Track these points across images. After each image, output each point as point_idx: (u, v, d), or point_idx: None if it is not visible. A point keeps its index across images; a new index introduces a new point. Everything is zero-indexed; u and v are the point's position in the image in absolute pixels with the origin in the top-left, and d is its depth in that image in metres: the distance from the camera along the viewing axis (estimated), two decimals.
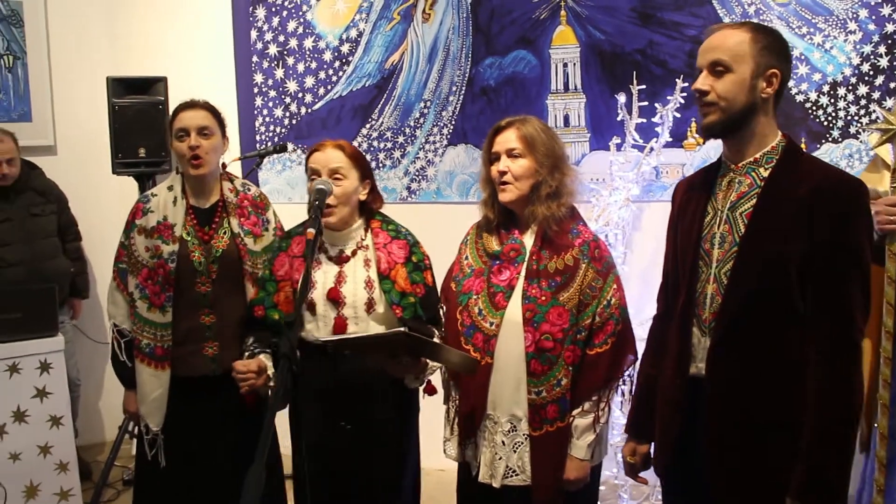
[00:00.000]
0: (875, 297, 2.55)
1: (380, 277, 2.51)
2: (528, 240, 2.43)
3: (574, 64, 3.88)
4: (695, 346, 2.08)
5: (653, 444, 2.28)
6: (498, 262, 2.43)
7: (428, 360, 2.41)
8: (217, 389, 2.74)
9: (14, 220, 4.01)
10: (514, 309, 2.37)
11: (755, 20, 3.57)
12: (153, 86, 4.21)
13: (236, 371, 2.37)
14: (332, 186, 2.42)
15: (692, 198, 2.17)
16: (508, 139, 2.41)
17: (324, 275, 2.53)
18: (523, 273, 2.40)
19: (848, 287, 1.91)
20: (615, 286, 2.41)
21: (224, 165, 2.91)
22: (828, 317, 1.91)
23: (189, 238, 2.76)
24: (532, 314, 2.34)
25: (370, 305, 2.50)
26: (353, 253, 2.55)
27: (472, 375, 2.36)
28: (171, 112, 2.87)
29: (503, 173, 2.39)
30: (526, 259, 2.40)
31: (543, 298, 2.35)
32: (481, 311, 2.41)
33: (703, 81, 2.00)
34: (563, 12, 3.87)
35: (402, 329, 2.31)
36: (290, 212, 4.13)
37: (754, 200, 1.99)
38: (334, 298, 2.49)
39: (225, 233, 2.80)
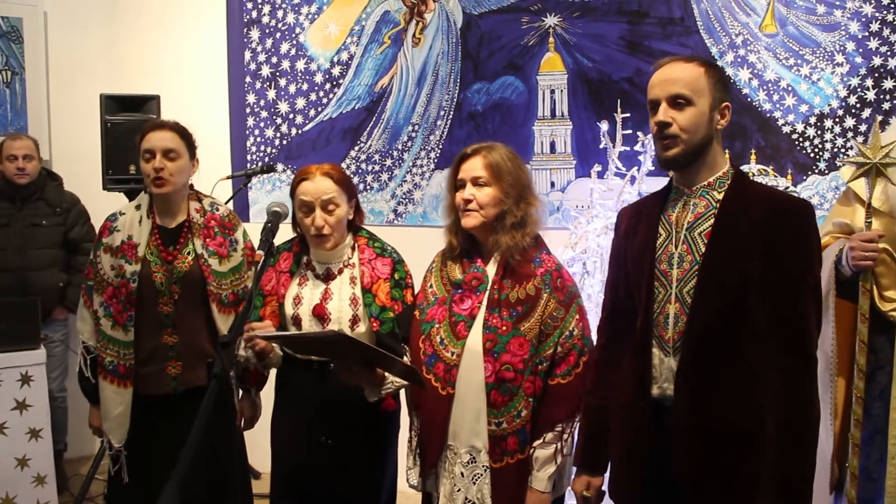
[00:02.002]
0: (848, 335, 2.52)
1: (362, 291, 2.53)
2: (491, 268, 2.41)
3: (561, 90, 3.87)
4: (656, 367, 2.06)
5: (607, 474, 2.25)
6: (460, 290, 2.41)
7: (387, 375, 2.41)
8: (180, 408, 2.74)
9: (14, 227, 4.08)
10: (475, 338, 2.35)
11: (743, 51, 3.55)
12: (146, 104, 4.23)
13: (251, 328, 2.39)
14: (287, 209, 2.44)
15: (640, 222, 2.17)
16: (475, 167, 2.40)
17: (310, 291, 2.55)
18: (485, 302, 2.37)
19: (803, 302, 1.97)
20: (578, 316, 2.38)
21: (191, 186, 2.91)
22: (785, 331, 1.96)
23: (152, 258, 2.76)
24: (492, 344, 2.32)
25: (355, 322, 2.51)
26: (340, 271, 2.57)
27: (423, 388, 2.34)
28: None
29: (468, 201, 2.37)
30: (488, 288, 2.38)
31: (504, 328, 2.33)
32: (443, 341, 2.39)
33: (664, 114, 2.02)
34: (551, 39, 3.87)
35: (338, 330, 2.36)
36: (280, 231, 4.16)
37: (712, 220, 2.02)
38: (320, 314, 2.51)
39: (189, 253, 2.80)
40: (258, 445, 2.15)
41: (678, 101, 2.00)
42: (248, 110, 4.42)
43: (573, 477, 2.35)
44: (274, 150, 4.40)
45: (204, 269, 2.78)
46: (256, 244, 2.90)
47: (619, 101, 3.64)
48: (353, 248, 2.62)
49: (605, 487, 2.28)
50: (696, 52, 3.55)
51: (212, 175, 4.07)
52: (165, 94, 4.30)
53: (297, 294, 2.58)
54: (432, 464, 2.41)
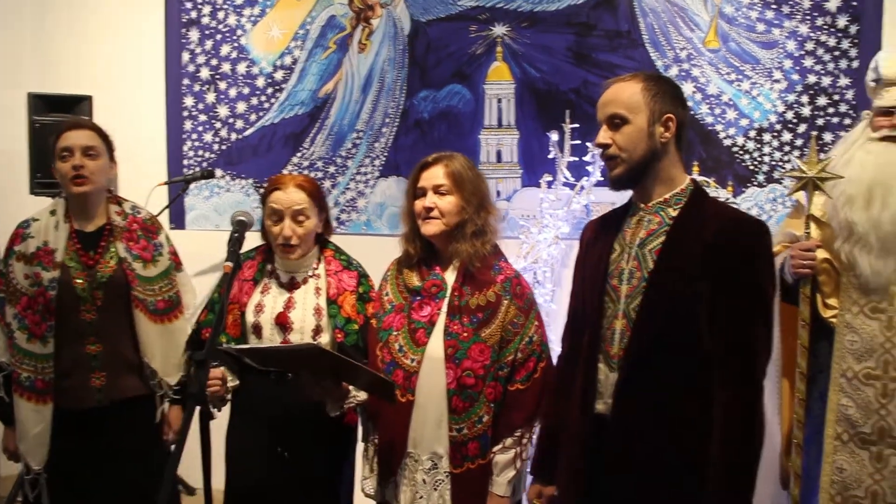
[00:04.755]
0: (790, 338, 2.60)
1: (328, 302, 2.51)
2: (450, 276, 2.42)
3: (508, 100, 3.90)
4: (601, 382, 2.07)
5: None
6: (419, 297, 2.41)
7: (349, 388, 2.40)
8: (105, 422, 2.64)
9: None
10: (436, 345, 2.35)
11: (687, 65, 3.64)
12: (77, 105, 4.09)
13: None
14: (252, 218, 2.41)
15: (600, 236, 2.19)
16: (436, 175, 2.40)
17: (273, 300, 2.53)
18: (445, 309, 2.38)
19: (753, 326, 1.96)
20: (537, 323, 2.42)
21: (111, 189, 2.81)
22: (733, 355, 1.94)
23: (71, 264, 2.63)
24: (454, 350, 2.32)
25: (317, 332, 2.50)
26: (305, 280, 2.56)
27: (392, 402, 2.32)
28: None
29: (430, 209, 2.37)
30: (447, 295, 2.38)
31: (465, 335, 2.33)
32: (402, 348, 2.38)
33: (603, 136, 2.06)
34: (499, 49, 3.89)
35: (314, 343, 2.37)
36: (218, 238, 4.04)
37: (663, 238, 2.03)
38: (282, 323, 2.49)
39: (112, 257, 2.68)
40: (194, 457, 2.07)
41: (615, 121, 2.03)
42: (185, 114, 4.28)
43: (528, 484, 2.37)
44: (213, 156, 4.28)
45: (128, 274, 2.67)
46: (182, 251, 2.89)
47: (566, 111, 3.68)
48: (318, 260, 2.61)
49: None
50: (641, 66, 3.63)
51: (147, 180, 3.97)
52: (98, 94, 4.17)
53: (259, 302, 2.54)
54: (392, 472, 2.39)
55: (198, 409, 1.97)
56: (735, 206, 3.34)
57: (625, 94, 2.04)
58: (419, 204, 2.41)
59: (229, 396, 2.49)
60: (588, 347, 2.09)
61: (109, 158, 2.73)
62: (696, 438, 1.95)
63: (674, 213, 2.05)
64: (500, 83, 3.90)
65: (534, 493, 2.32)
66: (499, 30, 3.87)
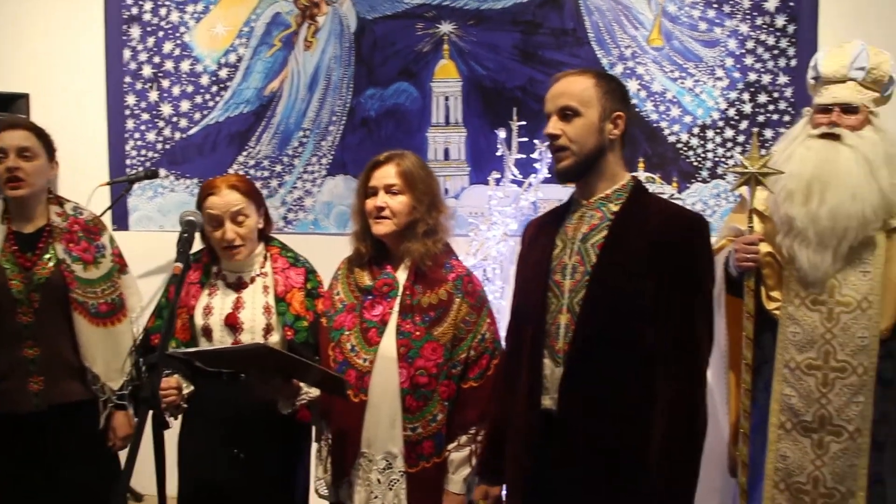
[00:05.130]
0: (736, 331, 2.66)
1: (276, 300, 2.50)
2: (401, 274, 2.41)
3: (455, 98, 3.90)
4: (547, 377, 2.08)
5: (505, 485, 2.28)
6: (370, 297, 2.40)
7: (301, 386, 2.39)
8: (43, 427, 2.58)
9: None
10: (388, 344, 2.34)
11: (631, 63, 3.69)
12: (13, 103, 3.99)
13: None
14: (201, 218, 2.37)
15: (541, 233, 2.21)
16: (388, 174, 2.39)
17: (221, 301, 2.51)
18: (396, 308, 2.37)
19: (695, 320, 2.00)
20: (489, 320, 2.43)
21: (51, 190, 2.74)
22: (677, 350, 1.98)
23: (7, 265, 2.57)
24: (406, 349, 2.32)
25: (268, 331, 2.48)
26: (252, 280, 2.54)
27: (343, 398, 2.31)
28: None
29: (381, 208, 2.36)
30: (399, 294, 2.38)
31: (418, 333, 2.33)
32: (354, 348, 2.37)
33: (554, 126, 2.06)
34: (445, 47, 3.89)
35: (261, 342, 2.36)
36: (162, 239, 3.99)
37: (605, 232, 2.06)
38: (232, 324, 2.47)
39: (50, 259, 2.62)
40: (141, 462, 2.03)
41: (566, 113, 2.05)
42: (127, 112, 4.19)
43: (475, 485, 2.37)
44: (156, 155, 4.20)
45: (66, 276, 2.61)
46: (125, 253, 2.84)
47: (513, 109, 3.69)
48: (265, 258, 2.58)
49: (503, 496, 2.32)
50: (587, 63, 3.66)
51: (88, 180, 3.89)
52: (35, 92, 4.08)
53: (207, 304, 2.52)
54: (346, 472, 2.38)
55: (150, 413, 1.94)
56: (680, 201, 3.41)
57: (577, 87, 2.06)
58: (370, 203, 2.40)
59: (185, 405, 2.45)
60: (532, 343, 2.10)
61: (49, 159, 2.67)
62: (640, 432, 1.98)
63: (615, 209, 2.08)
64: (447, 81, 3.90)
65: (480, 495, 2.32)
66: (445, 28, 3.87)
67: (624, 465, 2.00)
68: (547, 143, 2.13)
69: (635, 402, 1.99)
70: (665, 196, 2.78)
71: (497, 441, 2.25)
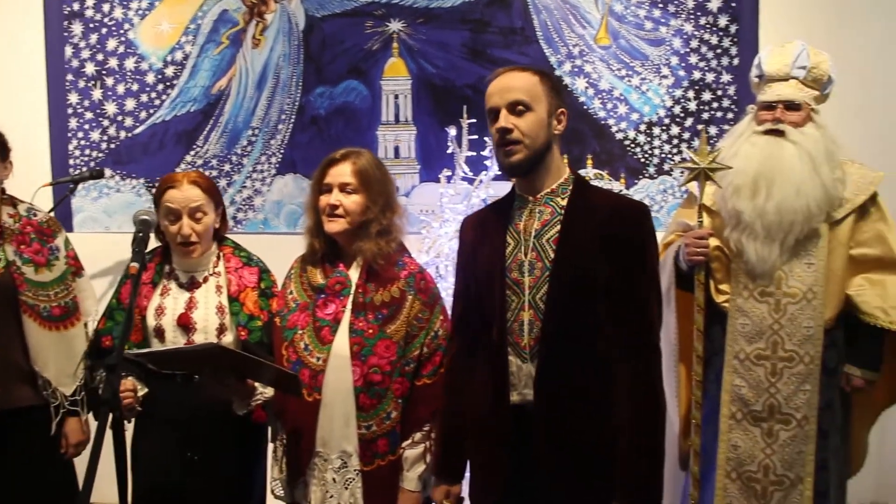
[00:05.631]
0: (687, 324, 2.71)
1: (229, 300, 2.47)
2: (354, 272, 2.40)
3: (405, 96, 3.90)
4: (514, 374, 2.10)
5: (466, 481, 2.29)
6: (323, 295, 2.39)
7: (255, 386, 2.37)
8: None
9: None
10: (341, 343, 2.33)
11: (579, 61, 3.73)
12: None
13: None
14: (156, 217, 2.35)
15: (487, 232, 2.22)
16: (343, 172, 2.38)
17: (174, 301, 2.48)
18: (349, 306, 2.36)
19: (646, 299, 2.07)
20: (442, 317, 2.43)
21: (4, 190, 2.69)
22: (632, 327, 2.05)
23: None
24: (360, 347, 2.31)
25: (221, 331, 2.46)
26: (205, 279, 2.51)
27: (298, 396, 2.30)
28: None
29: (335, 206, 2.35)
30: (352, 292, 2.37)
31: (371, 331, 2.32)
32: (307, 346, 2.35)
33: (506, 120, 2.08)
34: (395, 45, 3.89)
35: (215, 342, 2.33)
36: (107, 241, 3.91)
37: (558, 227, 2.09)
38: (185, 324, 2.44)
39: None
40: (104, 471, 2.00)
41: (517, 108, 2.07)
42: (70, 111, 4.10)
43: (432, 485, 2.37)
44: (101, 155, 4.11)
45: (16, 278, 2.55)
46: (80, 253, 2.78)
47: (463, 107, 3.71)
48: (218, 257, 2.56)
49: (464, 493, 2.33)
50: (536, 61, 3.70)
51: (30, 181, 3.76)
52: None
53: (159, 304, 2.49)
54: (301, 472, 2.36)
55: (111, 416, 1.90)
56: (626, 194, 3.47)
57: (526, 83, 2.09)
58: (324, 200, 2.38)
59: (140, 407, 2.41)
60: (497, 341, 2.11)
61: (2, 159, 2.62)
62: (610, 414, 2.03)
63: (563, 203, 2.11)
64: (396, 79, 3.90)
65: (440, 495, 2.32)
66: (394, 26, 3.87)
67: (597, 450, 2.04)
68: (495, 139, 2.12)
69: (605, 389, 2.04)
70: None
71: (453, 439, 2.26)
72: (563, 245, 2.07)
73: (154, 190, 2.57)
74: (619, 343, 2.03)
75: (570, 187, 2.14)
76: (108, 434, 1.96)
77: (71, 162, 4.13)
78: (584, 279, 2.04)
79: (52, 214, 2.83)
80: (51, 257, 2.65)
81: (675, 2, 3.68)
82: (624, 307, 2.04)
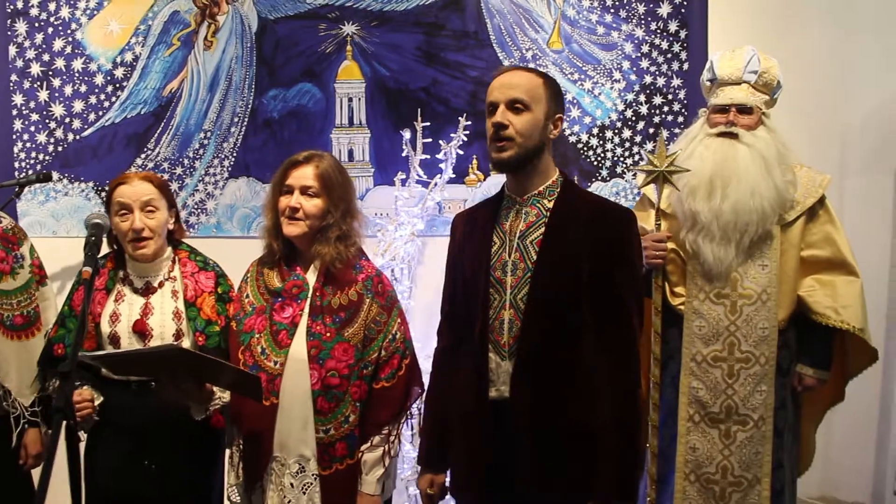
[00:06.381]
0: (647, 327, 2.75)
1: (186, 305, 2.45)
2: (311, 276, 2.39)
3: (359, 99, 3.89)
4: (493, 370, 2.13)
5: (449, 472, 2.31)
6: (280, 299, 2.38)
7: (214, 390, 2.35)
8: None
9: None
10: (299, 346, 2.32)
11: (532, 65, 3.76)
12: None
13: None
14: (108, 220, 2.31)
15: (476, 229, 2.25)
16: (305, 175, 2.36)
17: (129, 307, 2.44)
18: (307, 310, 2.35)
19: (627, 299, 2.10)
20: (399, 320, 2.43)
21: None
22: (613, 327, 2.08)
23: None
24: (317, 351, 2.30)
25: (178, 336, 2.43)
26: (161, 284, 2.48)
27: (258, 400, 2.27)
28: None
29: (295, 209, 2.34)
30: (309, 295, 2.36)
31: (328, 335, 2.32)
32: (264, 350, 2.34)
33: (502, 116, 2.09)
34: (349, 47, 3.87)
35: (174, 344, 2.31)
36: (55, 246, 3.82)
37: (543, 229, 2.11)
38: (140, 330, 2.41)
39: None
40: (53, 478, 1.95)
41: (516, 106, 2.10)
42: (14, 112, 4.01)
43: (417, 475, 2.39)
44: (48, 158, 4.02)
45: None
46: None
47: (417, 110, 3.71)
48: (173, 262, 2.53)
49: (447, 483, 2.33)
50: (490, 65, 3.72)
51: None
52: None
53: (114, 311, 2.44)
54: (258, 477, 2.34)
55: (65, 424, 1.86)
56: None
57: (529, 83, 2.12)
58: (284, 201, 2.37)
59: (96, 417, 2.37)
60: (479, 338, 2.14)
61: None
62: (588, 415, 2.06)
63: (549, 205, 2.14)
64: (350, 82, 3.89)
65: (425, 483, 2.33)
66: (348, 28, 3.86)
67: (574, 448, 2.07)
68: (489, 133, 2.13)
69: (583, 390, 2.07)
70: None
71: (439, 429, 2.28)
72: (545, 248, 2.10)
73: (104, 194, 2.52)
74: (599, 345, 2.07)
75: (558, 189, 2.16)
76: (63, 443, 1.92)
77: (16, 165, 4.03)
78: (566, 282, 2.08)
79: (17, 222, 2.75)
80: (15, 265, 2.60)
81: (627, 7, 3.73)
82: (604, 310, 2.07)
